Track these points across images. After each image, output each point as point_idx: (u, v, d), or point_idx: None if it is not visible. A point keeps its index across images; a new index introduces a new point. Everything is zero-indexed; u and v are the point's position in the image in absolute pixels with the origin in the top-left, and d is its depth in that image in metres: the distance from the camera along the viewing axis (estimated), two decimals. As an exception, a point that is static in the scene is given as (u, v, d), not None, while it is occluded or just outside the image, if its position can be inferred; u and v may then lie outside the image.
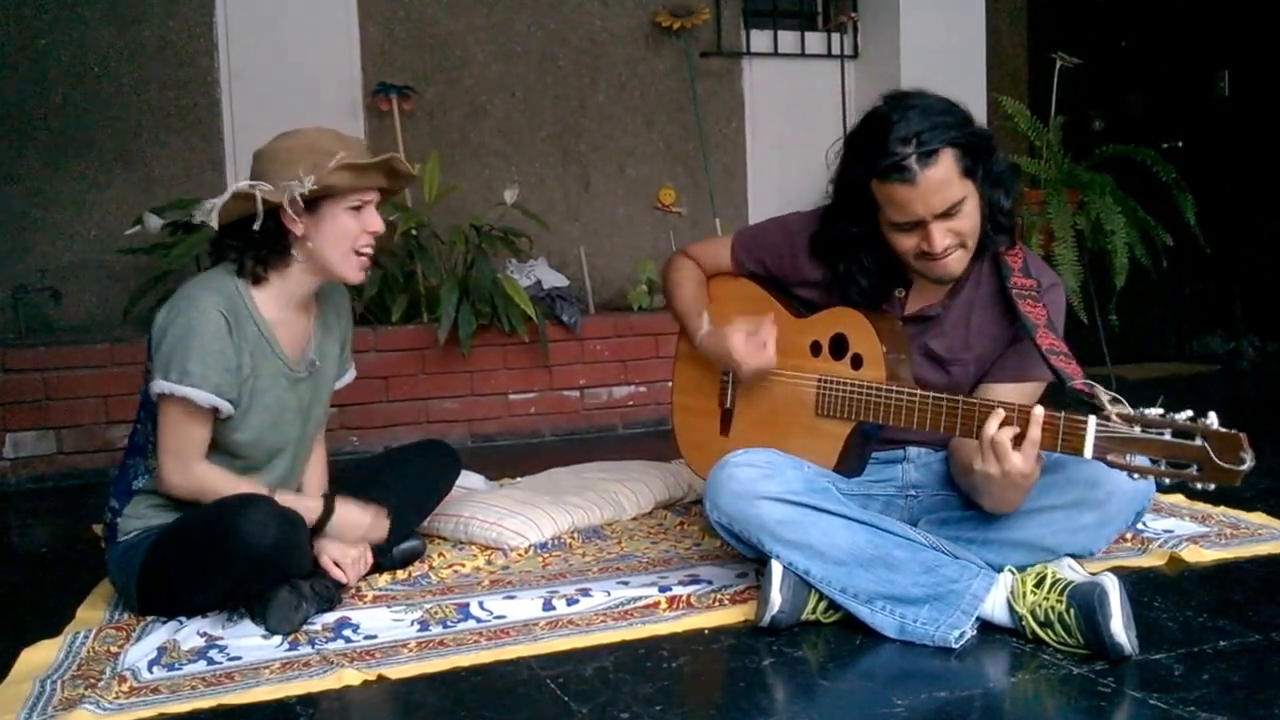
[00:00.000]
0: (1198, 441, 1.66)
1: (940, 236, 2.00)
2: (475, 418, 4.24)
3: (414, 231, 4.12)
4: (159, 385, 2.14)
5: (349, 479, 2.55)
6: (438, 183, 4.31)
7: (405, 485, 2.56)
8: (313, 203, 2.18)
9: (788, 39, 5.38)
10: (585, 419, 4.39)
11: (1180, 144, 5.46)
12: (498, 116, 4.91)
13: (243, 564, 2.08)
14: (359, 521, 2.34)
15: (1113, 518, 2.01)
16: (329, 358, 2.42)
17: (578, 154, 5.07)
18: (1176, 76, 5.54)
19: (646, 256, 4.87)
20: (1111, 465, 1.77)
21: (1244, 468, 1.64)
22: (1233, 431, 1.65)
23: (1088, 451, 1.77)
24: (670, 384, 2.68)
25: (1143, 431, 1.71)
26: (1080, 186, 4.64)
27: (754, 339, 2.28)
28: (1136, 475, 1.74)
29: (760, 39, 5.35)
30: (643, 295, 4.60)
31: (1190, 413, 1.69)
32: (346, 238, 2.23)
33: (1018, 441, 1.85)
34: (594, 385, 4.39)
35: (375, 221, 2.26)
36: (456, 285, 4.07)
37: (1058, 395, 2.02)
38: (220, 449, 2.23)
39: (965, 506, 2.17)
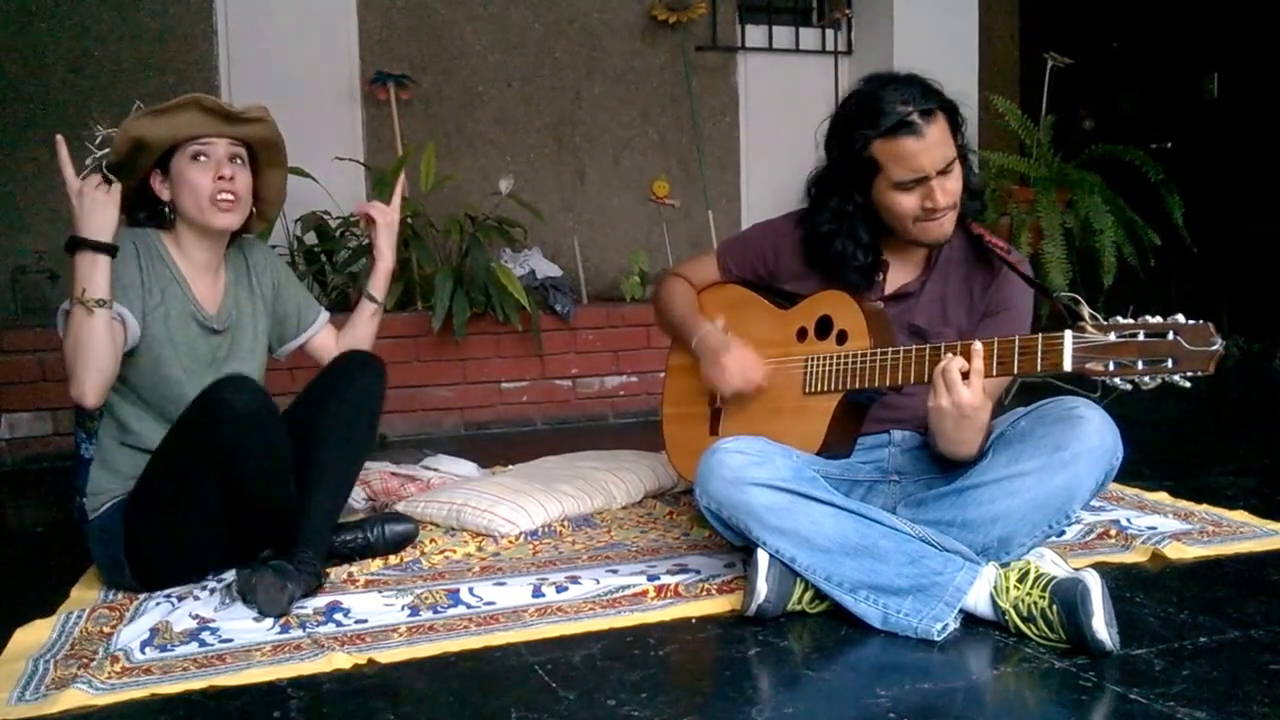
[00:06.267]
0: (1170, 336, 1.75)
1: (942, 194, 2.13)
2: (468, 405, 4.26)
3: (409, 220, 4.13)
4: (65, 306, 2.18)
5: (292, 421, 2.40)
6: (434, 172, 4.32)
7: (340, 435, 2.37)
8: (166, 166, 2.27)
9: (782, 34, 5.40)
10: (577, 408, 4.41)
11: (1169, 145, 5.48)
12: (494, 107, 4.92)
13: (225, 429, 2.10)
14: None
15: (1083, 479, 2.01)
16: (247, 316, 2.44)
17: (573, 145, 5.08)
18: (1166, 78, 5.56)
19: (640, 248, 4.90)
20: (1092, 374, 1.82)
21: (1215, 348, 1.73)
22: (1201, 322, 1.75)
23: (1067, 364, 1.83)
24: (660, 399, 2.69)
25: (1117, 336, 1.78)
26: (1069, 185, 4.65)
27: (746, 361, 2.33)
28: (1119, 381, 1.80)
29: (755, 34, 5.37)
30: (635, 286, 4.62)
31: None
32: (197, 191, 2.27)
33: (967, 377, 1.96)
34: (586, 375, 4.42)
35: (222, 168, 2.28)
36: (451, 274, 4.09)
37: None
38: (127, 387, 2.27)
39: (944, 487, 2.18)
